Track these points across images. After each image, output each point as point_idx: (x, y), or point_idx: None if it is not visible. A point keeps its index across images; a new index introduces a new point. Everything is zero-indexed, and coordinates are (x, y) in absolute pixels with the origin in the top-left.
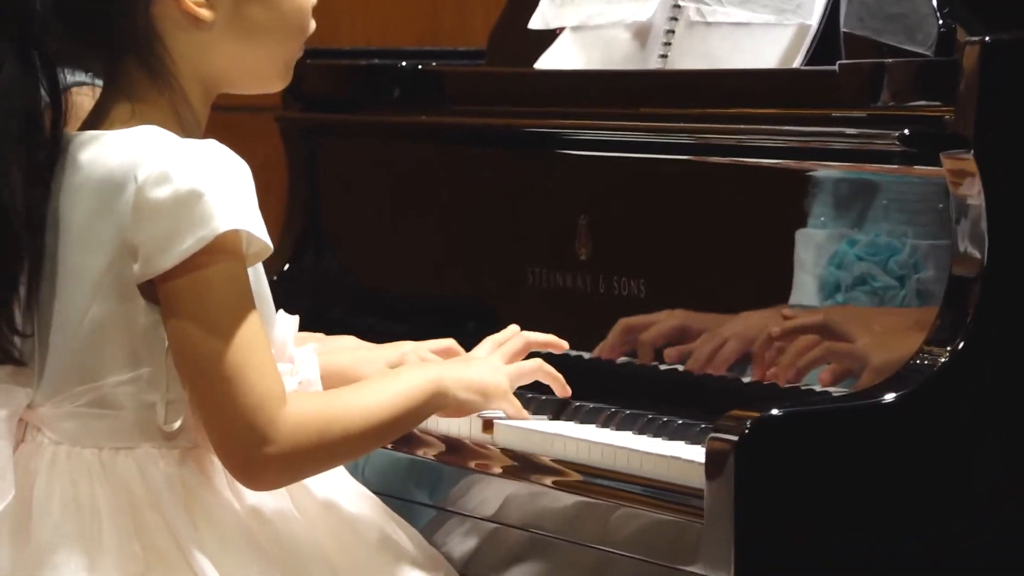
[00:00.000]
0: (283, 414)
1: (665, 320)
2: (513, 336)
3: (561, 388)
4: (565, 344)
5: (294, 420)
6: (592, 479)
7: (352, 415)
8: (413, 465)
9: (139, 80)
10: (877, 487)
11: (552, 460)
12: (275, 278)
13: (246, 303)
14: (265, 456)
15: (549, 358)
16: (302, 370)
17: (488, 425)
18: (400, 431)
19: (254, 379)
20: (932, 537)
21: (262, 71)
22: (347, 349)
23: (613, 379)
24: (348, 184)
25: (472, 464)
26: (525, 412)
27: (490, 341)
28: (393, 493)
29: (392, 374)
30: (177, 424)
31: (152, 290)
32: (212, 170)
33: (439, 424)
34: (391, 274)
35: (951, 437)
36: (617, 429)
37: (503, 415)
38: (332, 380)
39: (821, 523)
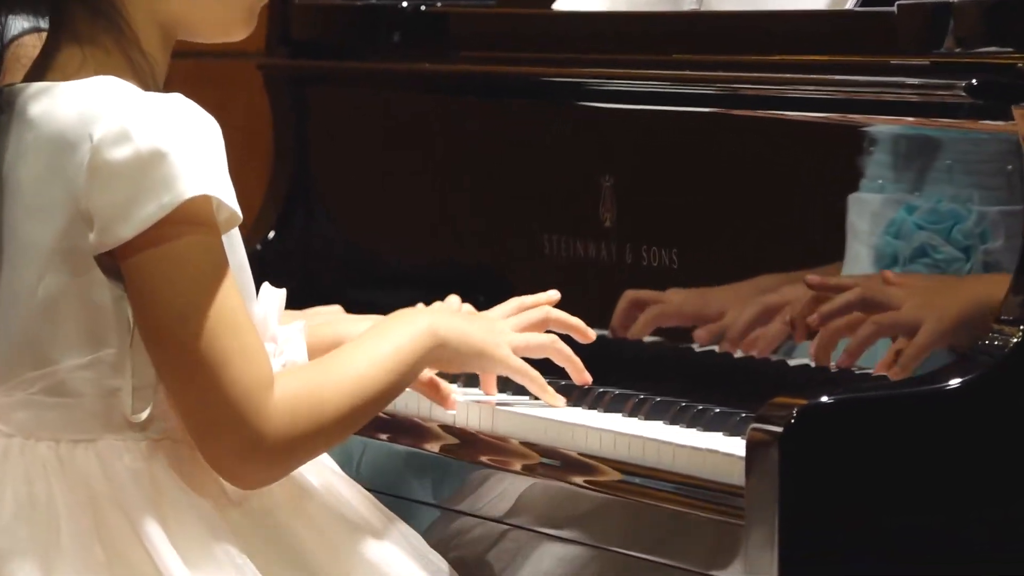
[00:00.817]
0: (272, 401)
1: (700, 295)
2: (538, 305)
3: (578, 373)
4: (591, 334)
5: (284, 405)
6: (617, 475)
7: (345, 386)
8: (414, 459)
9: (87, 23)
10: (938, 484)
11: (572, 454)
12: (259, 247)
13: (223, 277)
14: (258, 451)
15: (568, 340)
16: (287, 350)
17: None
18: (399, 391)
19: (239, 365)
20: (995, 540)
21: (222, 16)
22: (332, 322)
23: (641, 362)
24: (341, 141)
25: (481, 458)
26: (533, 374)
27: (516, 301)
28: (391, 491)
29: (379, 329)
30: (145, 413)
31: (112, 262)
32: (177, 128)
33: (444, 413)
34: (390, 243)
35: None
36: (646, 419)
37: (511, 401)
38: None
39: (874, 523)
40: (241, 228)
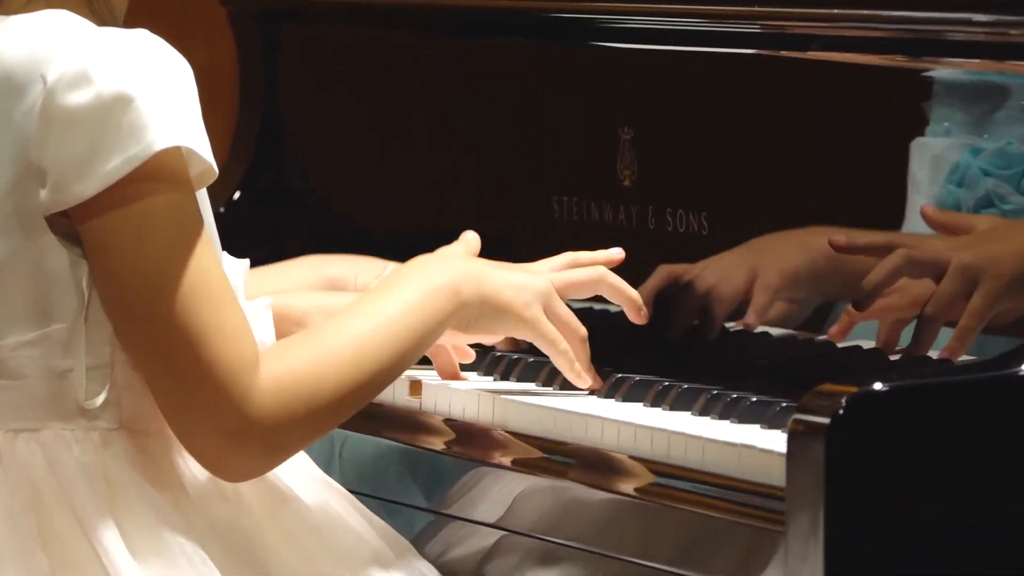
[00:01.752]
0: (261, 381)
1: (735, 266)
2: (595, 263)
3: (635, 309)
4: (645, 311)
5: (274, 385)
6: (637, 474)
7: (345, 359)
8: (403, 456)
9: None
10: (1009, 483)
11: (585, 450)
12: (221, 210)
13: (199, 241)
14: (246, 438)
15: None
16: (254, 329)
17: (495, 401)
18: (412, 361)
19: (220, 342)
20: None
21: None
22: (307, 293)
23: (666, 344)
24: (318, 88)
25: (479, 454)
26: (563, 347)
27: (570, 256)
28: (377, 493)
29: (387, 285)
30: (99, 399)
31: (66, 224)
32: (144, 69)
33: (437, 403)
34: (374, 206)
35: None
36: (671, 409)
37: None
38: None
39: (934, 528)
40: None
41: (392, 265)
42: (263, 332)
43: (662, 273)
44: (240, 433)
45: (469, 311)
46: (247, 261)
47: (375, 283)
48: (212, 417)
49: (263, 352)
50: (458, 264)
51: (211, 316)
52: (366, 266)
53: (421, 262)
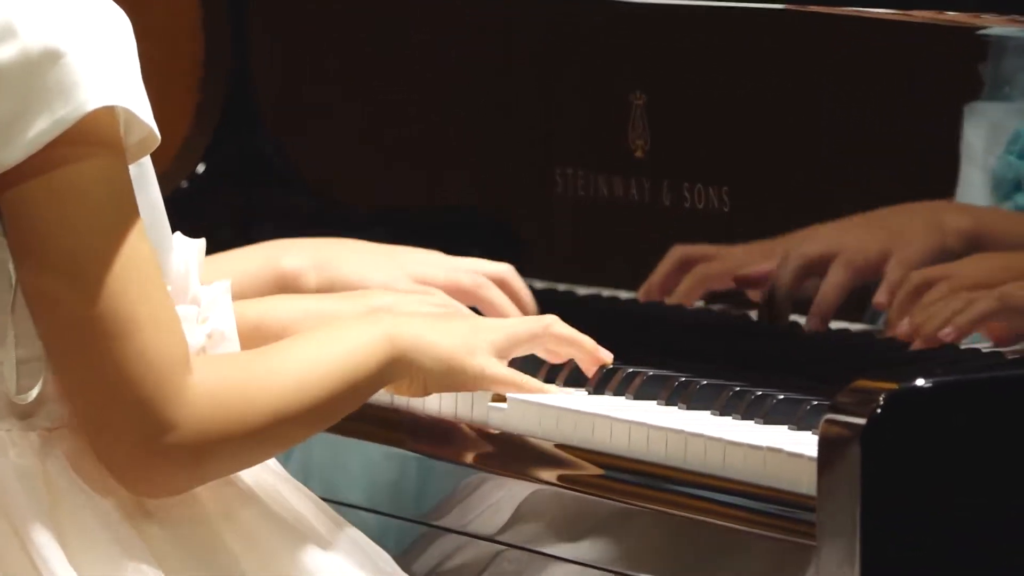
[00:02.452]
0: (189, 386)
1: (760, 248)
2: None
3: (591, 358)
4: (607, 356)
5: (204, 393)
6: (650, 482)
7: (284, 385)
8: (387, 460)
9: None
10: None
11: (592, 453)
12: (184, 185)
13: (130, 218)
14: (164, 447)
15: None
16: (211, 317)
17: (498, 400)
18: (346, 409)
19: (147, 336)
20: None
21: None
22: (279, 296)
23: (683, 335)
24: (294, 46)
25: (472, 458)
26: (530, 383)
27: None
28: (355, 501)
29: (333, 328)
30: (33, 393)
31: None
32: (76, 21)
33: (423, 402)
34: (356, 181)
35: None
36: (689, 408)
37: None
38: (251, 336)
39: (983, 541)
40: (159, 161)
41: (374, 249)
42: (222, 319)
43: (676, 255)
44: (160, 441)
45: (407, 366)
46: (202, 241)
47: (343, 299)
48: (131, 420)
49: (195, 359)
50: (398, 319)
51: (139, 305)
52: (330, 253)
53: (370, 314)
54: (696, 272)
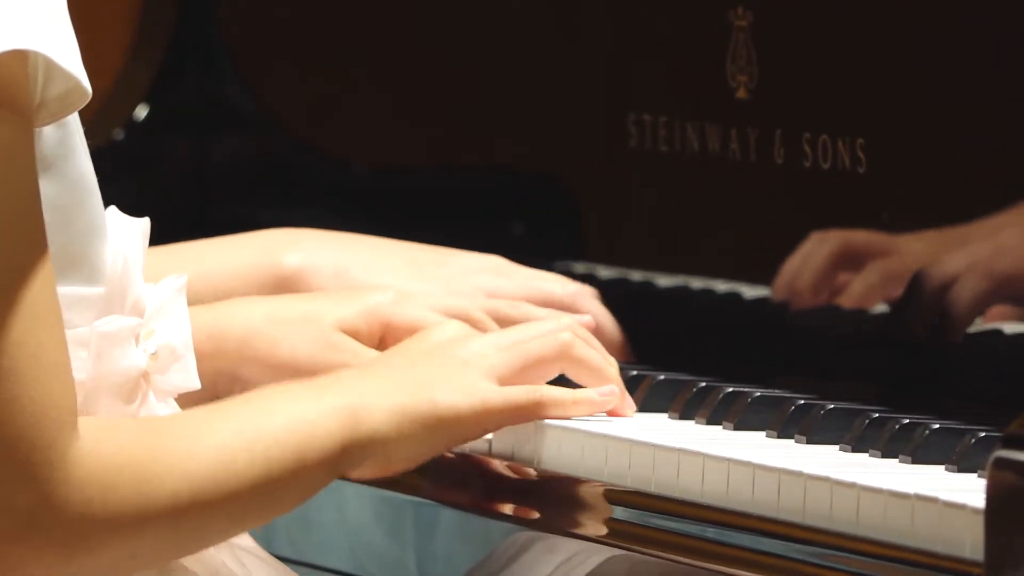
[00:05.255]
0: (75, 454)
1: (902, 227)
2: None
3: (606, 392)
4: (628, 409)
5: (93, 468)
6: (755, 542)
7: (199, 466)
8: (386, 508)
9: None
10: None
11: (672, 503)
12: (120, 137)
13: (26, 210)
14: (34, 531)
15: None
16: (159, 329)
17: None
18: (288, 500)
19: (29, 385)
20: None
21: None
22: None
23: (791, 343)
24: None
25: (508, 510)
26: (578, 400)
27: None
28: (337, 565)
29: (276, 388)
30: None
31: None
32: None
33: None
34: (352, 127)
35: None
36: (809, 442)
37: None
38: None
39: None
40: (85, 111)
41: (409, 253)
42: (175, 332)
43: (798, 230)
44: (32, 521)
45: (381, 446)
46: (146, 222)
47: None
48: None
49: (87, 422)
50: (367, 383)
51: (23, 334)
52: (347, 257)
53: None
54: (816, 261)
